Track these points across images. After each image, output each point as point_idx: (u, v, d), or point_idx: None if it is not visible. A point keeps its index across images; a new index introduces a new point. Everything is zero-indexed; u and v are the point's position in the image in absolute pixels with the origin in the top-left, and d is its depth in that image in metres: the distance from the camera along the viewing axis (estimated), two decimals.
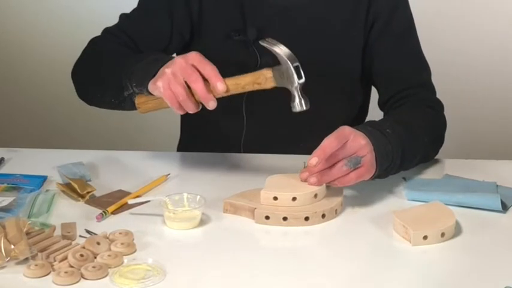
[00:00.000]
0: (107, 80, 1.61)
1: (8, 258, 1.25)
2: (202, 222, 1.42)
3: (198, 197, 1.44)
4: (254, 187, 1.51)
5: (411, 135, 1.56)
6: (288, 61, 1.43)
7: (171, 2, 1.74)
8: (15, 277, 1.23)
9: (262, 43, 1.46)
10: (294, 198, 1.42)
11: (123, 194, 1.53)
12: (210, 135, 1.84)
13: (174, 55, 1.66)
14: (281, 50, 1.44)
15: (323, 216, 1.42)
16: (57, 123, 3.05)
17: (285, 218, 1.40)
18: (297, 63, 1.43)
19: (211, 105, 1.43)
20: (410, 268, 1.30)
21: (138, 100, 1.53)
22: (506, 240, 1.38)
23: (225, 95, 1.44)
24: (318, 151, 1.41)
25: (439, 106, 1.76)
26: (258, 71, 1.46)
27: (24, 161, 1.70)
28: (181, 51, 1.75)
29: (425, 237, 1.34)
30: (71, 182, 1.54)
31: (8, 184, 1.55)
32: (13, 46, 2.98)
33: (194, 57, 1.43)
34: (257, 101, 1.73)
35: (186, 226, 1.40)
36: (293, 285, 1.24)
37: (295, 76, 1.43)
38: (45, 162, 1.67)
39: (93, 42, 1.78)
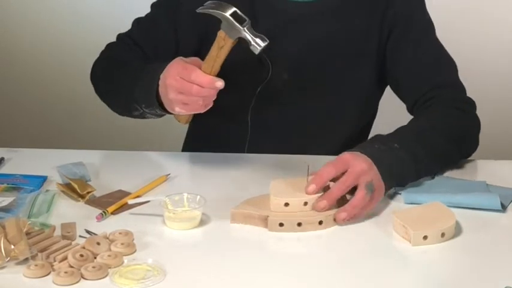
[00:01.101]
0: (118, 98, 1.70)
1: (8, 258, 1.25)
2: (202, 222, 1.42)
3: (198, 197, 1.44)
4: (254, 187, 1.52)
5: (425, 142, 1.53)
6: (223, 13, 1.47)
7: (176, 11, 1.74)
8: (15, 277, 1.23)
9: (198, 10, 1.51)
10: (306, 203, 1.40)
11: (123, 194, 1.52)
12: (214, 146, 1.81)
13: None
14: (213, 7, 1.48)
15: (334, 219, 1.41)
16: (57, 123, 3.05)
17: (299, 224, 1.38)
18: (231, 10, 1.47)
19: (219, 85, 1.48)
20: (410, 268, 1.30)
21: (175, 117, 1.64)
22: (506, 240, 1.38)
23: (214, 73, 1.51)
24: (316, 178, 1.41)
25: (467, 105, 1.69)
26: (215, 41, 1.50)
27: (24, 161, 1.70)
28: (193, 55, 1.76)
29: (425, 237, 1.34)
30: (71, 182, 1.53)
31: (8, 184, 1.55)
32: (13, 46, 2.98)
33: (177, 70, 1.50)
34: (263, 111, 1.74)
35: (186, 226, 1.40)
36: (292, 285, 1.24)
37: (237, 23, 1.46)
38: (45, 162, 1.67)
39: (108, 48, 1.81)
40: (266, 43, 1.48)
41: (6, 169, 1.66)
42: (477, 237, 1.39)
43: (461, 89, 1.72)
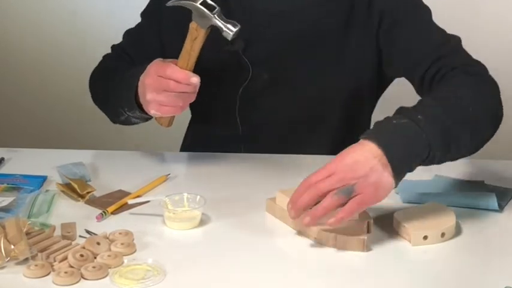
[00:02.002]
0: (107, 107, 1.75)
1: (8, 258, 1.25)
2: (202, 222, 1.42)
3: (198, 197, 1.44)
4: (254, 187, 1.52)
5: (451, 111, 1.39)
6: (192, 3, 1.48)
7: (160, 21, 1.76)
8: (15, 277, 1.23)
9: (168, 4, 1.53)
10: None
11: (123, 194, 1.52)
12: (210, 151, 1.81)
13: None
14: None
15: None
16: (57, 123, 3.05)
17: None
18: (202, 0, 1.49)
19: (194, 81, 1.50)
20: (410, 268, 1.30)
21: (156, 120, 1.63)
22: (506, 240, 1.38)
23: (190, 68, 1.52)
24: (293, 206, 1.34)
25: (478, 68, 1.59)
26: (188, 33, 1.52)
27: (24, 161, 1.70)
28: None
29: (425, 237, 1.34)
30: (71, 182, 1.53)
31: (8, 184, 1.55)
32: (13, 46, 2.98)
33: (154, 69, 1.52)
34: (250, 112, 1.73)
35: (186, 226, 1.40)
36: (292, 285, 1.24)
37: (207, 11, 1.48)
38: (45, 162, 1.67)
39: (103, 59, 1.84)
40: (238, 28, 1.49)
41: (6, 169, 1.66)
42: (477, 237, 1.39)
43: (466, 54, 1.63)
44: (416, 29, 1.67)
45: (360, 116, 1.81)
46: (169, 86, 1.50)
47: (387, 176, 1.31)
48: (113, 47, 1.85)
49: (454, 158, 1.42)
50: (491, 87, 1.55)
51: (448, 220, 1.38)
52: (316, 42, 1.71)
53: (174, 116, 1.61)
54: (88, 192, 1.51)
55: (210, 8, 1.49)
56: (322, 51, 1.71)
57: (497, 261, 1.31)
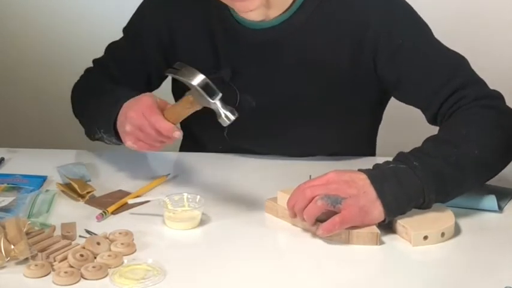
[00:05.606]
0: (88, 120, 1.69)
1: (8, 258, 1.25)
2: (202, 222, 1.42)
3: (198, 197, 1.44)
4: (255, 187, 1.52)
5: (451, 156, 1.39)
6: (193, 84, 1.40)
7: (142, 43, 1.72)
8: (15, 277, 1.23)
9: (166, 73, 1.47)
10: None
11: (123, 194, 1.52)
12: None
13: None
14: (184, 75, 1.41)
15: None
16: (57, 123, 3.05)
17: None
18: (204, 82, 1.39)
19: (177, 135, 1.44)
20: (411, 268, 1.30)
21: None
22: (506, 241, 1.38)
23: (177, 122, 1.45)
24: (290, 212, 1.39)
25: (494, 100, 1.53)
26: (184, 97, 1.43)
27: (24, 161, 1.70)
28: (160, 70, 1.71)
29: (425, 238, 1.34)
30: (71, 182, 1.54)
31: (8, 184, 1.55)
32: (13, 46, 2.98)
33: (141, 107, 1.46)
34: (239, 138, 1.69)
35: (186, 226, 1.40)
36: (292, 285, 1.24)
37: (207, 96, 1.39)
38: (45, 162, 1.67)
39: (85, 73, 1.81)
40: (236, 116, 1.41)
41: (6, 169, 1.66)
42: (477, 237, 1.39)
43: (481, 83, 1.57)
44: (420, 54, 1.58)
45: (361, 129, 1.76)
46: (149, 132, 1.44)
47: (378, 206, 1.34)
48: (95, 61, 1.80)
49: (458, 195, 1.43)
50: (507, 120, 1.51)
51: (447, 220, 1.38)
52: (304, 68, 1.62)
53: None
54: (88, 192, 1.51)
55: (211, 92, 1.40)
56: (312, 76, 1.63)
57: (497, 261, 1.31)
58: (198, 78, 1.40)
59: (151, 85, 1.77)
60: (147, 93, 1.52)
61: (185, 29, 1.68)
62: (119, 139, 1.55)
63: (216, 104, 1.41)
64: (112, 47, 1.79)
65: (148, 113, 1.44)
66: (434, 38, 1.62)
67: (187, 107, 1.43)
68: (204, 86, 1.40)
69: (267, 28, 1.61)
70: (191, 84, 1.40)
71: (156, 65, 1.72)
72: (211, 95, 1.40)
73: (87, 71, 1.81)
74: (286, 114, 1.66)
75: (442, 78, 1.56)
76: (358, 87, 1.64)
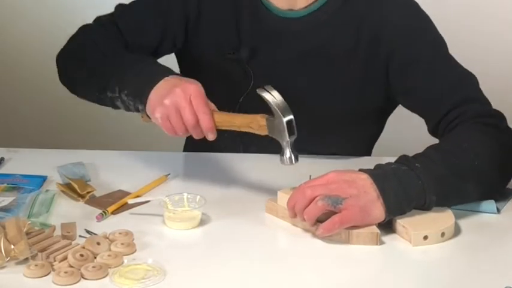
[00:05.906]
0: (93, 74, 1.60)
1: (8, 258, 1.25)
2: (202, 222, 1.42)
3: (198, 197, 1.44)
4: (254, 187, 1.52)
5: (451, 162, 1.41)
6: (281, 115, 1.38)
7: (168, 3, 1.70)
8: (15, 277, 1.23)
9: (259, 91, 1.42)
10: None
11: (123, 194, 1.52)
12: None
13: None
14: (275, 102, 1.39)
15: None
16: (57, 123, 3.05)
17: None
18: (290, 117, 1.38)
19: (211, 137, 1.44)
20: (411, 268, 1.30)
21: (144, 114, 1.53)
22: (506, 241, 1.38)
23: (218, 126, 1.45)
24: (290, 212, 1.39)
25: (495, 119, 1.56)
26: (252, 115, 1.43)
27: (24, 161, 1.70)
28: (173, 53, 1.74)
29: (425, 238, 1.34)
30: (71, 182, 1.54)
31: (8, 184, 1.55)
32: (13, 46, 2.98)
33: (194, 92, 1.43)
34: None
35: (186, 226, 1.40)
36: (292, 284, 1.24)
37: (287, 132, 1.39)
38: (45, 162, 1.67)
39: (84, 31, 1.74)
40: (296, 162, 1.41)
41: (6, 169, 1.66)
42: (477, 237, 1.39)
43: (485, 102, 1.60)
44: (433, 70, 1.62)
45: (364, 134, 1.79)
46: (187, 118, 1.43)
47: (379, 206, 1.34)
48: (101, 21, 1.73)
49: (457, 204, 1.44)
50: (506, 139, 1.53)
51: (447, 219, 1.38)
52: (320, 63, 1.67)
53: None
54: (88, 192, 1.51)
55: (291, 131, 1.39)
56: (326, 72, 1.67)
57: (497, 261, 1.31)
58: (290, 115, 1.39)
59: (155, 57, 1.72)
60: (197, 82, 1.47)
61: (214, 0, 1.69)
62: (137, 107, 1.50)
63: (289, 144, 1.40)
64: (125, 10, 1.73)
65: (198, 101, 1.43)
66: (449, 54, 1.65)
67: (250, 126, 1.43)
68: (290, 124, 1.39)
69: (292, 18, 1.65)
70: (280, 117, 1.38)
71: (172, 36, 1.70)
72: (291, 133, 1.40)
73: (84, 30, 1.73)
74: (294, 110, 1.66)
75: (447, 93, 1.59)
76: (369, 91, 1.68)
